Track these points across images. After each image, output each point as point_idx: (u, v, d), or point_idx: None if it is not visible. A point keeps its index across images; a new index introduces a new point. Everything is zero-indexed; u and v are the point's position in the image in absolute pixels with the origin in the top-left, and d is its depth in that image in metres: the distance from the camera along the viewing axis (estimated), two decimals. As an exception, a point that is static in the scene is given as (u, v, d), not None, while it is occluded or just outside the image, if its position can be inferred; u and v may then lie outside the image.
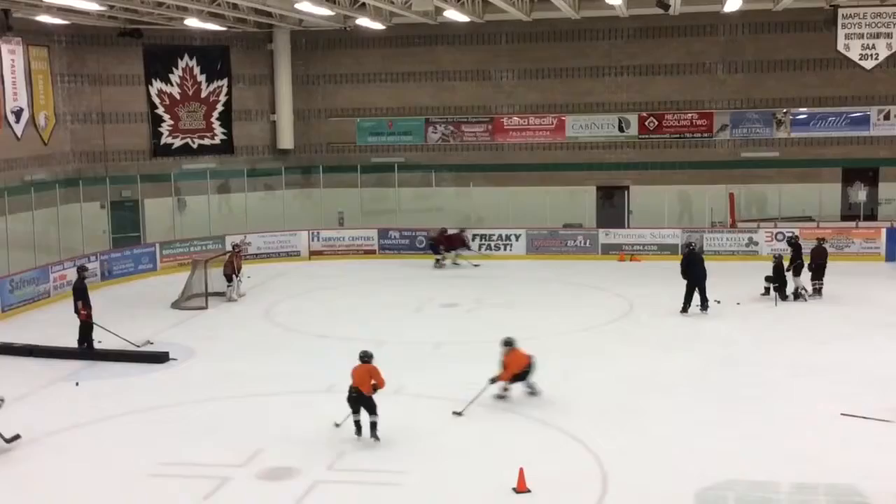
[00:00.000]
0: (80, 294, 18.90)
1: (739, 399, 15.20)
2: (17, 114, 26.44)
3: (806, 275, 22.53)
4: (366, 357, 13.92)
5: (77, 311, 18.82)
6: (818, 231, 26.53)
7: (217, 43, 31.08)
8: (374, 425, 13.48)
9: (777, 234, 27.77)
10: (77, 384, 16.77)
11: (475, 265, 27.83)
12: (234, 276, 23.82)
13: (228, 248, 27.14)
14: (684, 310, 21.18)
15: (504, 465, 12.20)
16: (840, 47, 28.93)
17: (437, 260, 27.92)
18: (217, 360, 18.30)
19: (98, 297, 22.99)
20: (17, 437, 13.54)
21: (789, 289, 22.48)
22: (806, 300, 22.21)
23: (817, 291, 22.68)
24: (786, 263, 22.47)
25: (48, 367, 17.87)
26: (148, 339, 19.59)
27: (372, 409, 13.51)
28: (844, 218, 29.33)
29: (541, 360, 17.72)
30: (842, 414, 14.26)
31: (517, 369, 15.03)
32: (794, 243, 23.21)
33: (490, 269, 27.44)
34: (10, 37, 25.80)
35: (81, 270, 19.86)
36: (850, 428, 13.82)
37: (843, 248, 27.20)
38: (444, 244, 28.05)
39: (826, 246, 23.47)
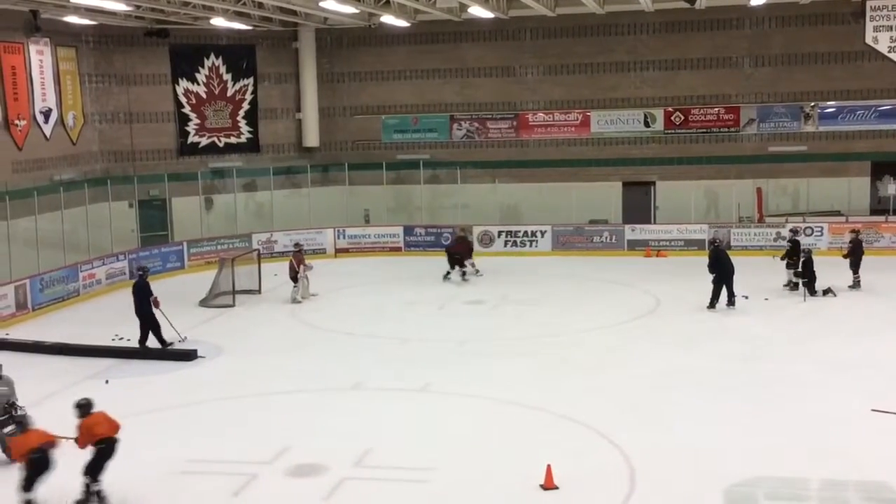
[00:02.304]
0: (147, 290, 19.05)
1: (768, 395, 15.09)
2: (46, 114, 26.69)
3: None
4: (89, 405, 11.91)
5: (144, 310, 18.90)
6: (847, 226, 26.33)
7: (243, 42, 31.21)
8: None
9: (804, 228, 27.61)
10: (107, 382, 16.91)
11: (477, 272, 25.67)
12: (297, 276, 23.40)
13: (256, 245, 27.41)
14: (711, 305, 21.08)
15: (531, 462, 12.17)
16: (868, 40, 28.63)
17: (463, 273, 25.27)
18: (244, 358, 18.41)
19: (127, 296, 23.18)
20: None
21: (782, 281, 22.87)
22: (835, 295, 22.05)
23: (857, 284, 22.74)
24: (775, 255, 23.44)
25: (78, 365, 18.03)
26: (183, 335, 19.71)
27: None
28: (874, 212, 29.07)
29: (567, 357, 17.79)
30: (872, 410, 14.13)
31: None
32: (793, 240, 23.32)
33: (516, 265, 27.41)
34: (39, 38, 26.04)
35: (144, 271, 20.04)
36: (880, 424, 13.68)
37: (873, 243, 26.83)
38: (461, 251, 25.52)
39: (861, 238, 23.57)
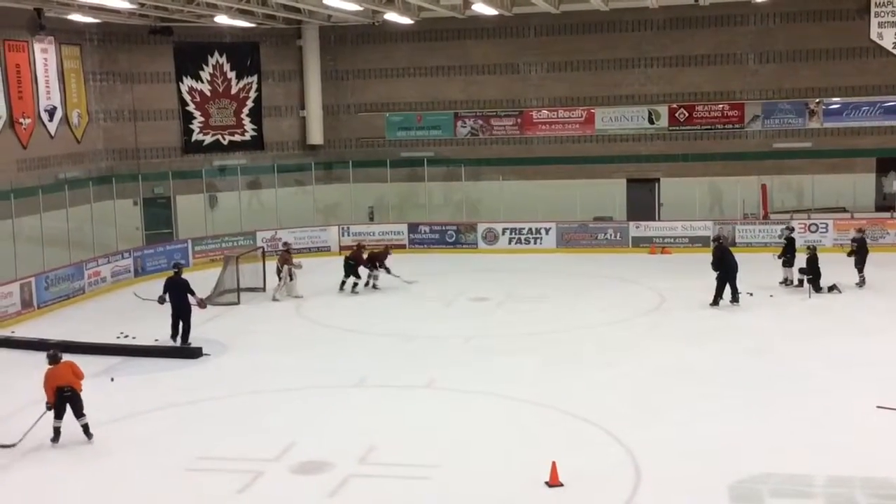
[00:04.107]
0: (187, 286, 19.10)
1: (772, 392, 15.08)
2: (51, 112, 26.73)
3: (796, 266, 22.69)
4: (56, 357, 13.77)
5: (184, 305, 18.96)
6: (853, 222, 26.29)
7: (247, 40, 31.22)
8: (86, 427, 13.54)
9: (809, 224, 27.60)
10: (112, 380, 16.93)
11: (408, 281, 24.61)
12: (279, 274, 23.56)
13: (259, 243, 27.43)
14: (715, 303, 21.06)
15: (536, 458, 12.19)
16: (873, 36, 28.58)
17: (354, 284, 24.03)
18: (249, 355, 18.42)
19: (132, 293, 23.22)
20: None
21: (779, 278, 22.92)
22: (840, 292, 22.01)
23: (862, 281, 22.71)
24: (776, 253, 23.34)
25: (83, 363, 17.82)
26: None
27: (81, 410, 13.48)
28: (879, 209, 29.01)
29: (572, 354, 17.79)
30: (877, 407, 14.11)
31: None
32: (789, 237, 23.39)
33: (520, 262, 27.40)
34: (43, 36, 26.06)
35: (180, 267, 20.18)
36: (885, 421, 13.67)
37: (878, 240, 26.83)
38: (365, 264, 24.29)
39: (866, 237, 23.57)
